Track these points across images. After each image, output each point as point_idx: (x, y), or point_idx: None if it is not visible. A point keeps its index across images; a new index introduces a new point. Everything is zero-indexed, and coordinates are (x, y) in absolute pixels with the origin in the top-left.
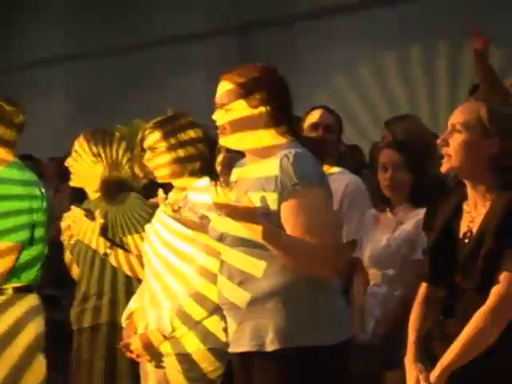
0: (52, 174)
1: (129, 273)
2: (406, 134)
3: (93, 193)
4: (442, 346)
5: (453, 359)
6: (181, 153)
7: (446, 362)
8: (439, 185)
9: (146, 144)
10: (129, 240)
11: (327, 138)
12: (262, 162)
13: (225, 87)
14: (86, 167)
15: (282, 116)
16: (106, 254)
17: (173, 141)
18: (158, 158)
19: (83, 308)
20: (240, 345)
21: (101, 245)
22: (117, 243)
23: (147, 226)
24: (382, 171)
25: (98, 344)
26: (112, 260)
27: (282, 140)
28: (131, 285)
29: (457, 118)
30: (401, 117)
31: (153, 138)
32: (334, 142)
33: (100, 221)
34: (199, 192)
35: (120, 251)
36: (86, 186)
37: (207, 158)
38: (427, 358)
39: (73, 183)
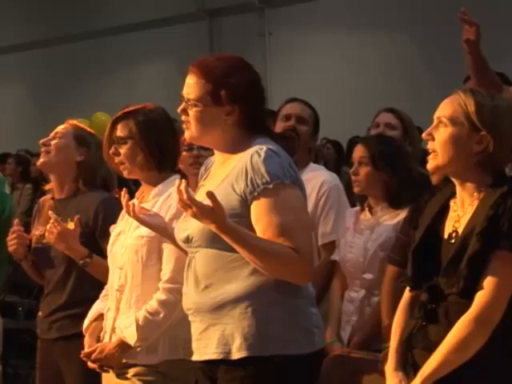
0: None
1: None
2: (411, 123)
3: (61, 190)
4: (423, 353)
5: (434, 369)
6: (153, 146)
7: (428, 372)
8: (424, 183)
9: (116, 134)
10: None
11: (299, 130)
12: (231, 159)
13: (192, 80)
14: (66, 149)
15: (252, 113)
16: (84, 264)
17: (146, 132)
18: (128, 150)
19: (58, 317)
20: (205, 352)
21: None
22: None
23: (112, 227)
24: (352, 167)
25: (74, 355)
26: (90, 270)
27: (253, 136)
28: None
29: (443, 111)
30: (388, 110)
31: (124, 127)
32: (307, 135)
33: (75, 227)
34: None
35: (99, 259)
36: (59, 175)
37: (178, 154)
38: (408, 365)
39: (43, 165)
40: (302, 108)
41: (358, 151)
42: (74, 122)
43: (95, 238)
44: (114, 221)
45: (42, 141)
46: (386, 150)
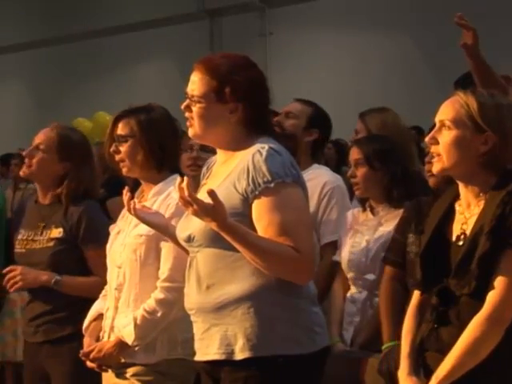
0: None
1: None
2: (381, 128)
3: (45, 196)
4: (436, 356)
5: (449, 371)
6: (154, 145)
7: (443, 375)
8: (420, 181)
9: (118, 132)
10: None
11: (283, 123)
12: (233, 157)
13: (196, 77)
14: (47, 165)
15: (256, 112)
16: (57, 282)
17: (147, 131)
18: (129, 148)
19: (44, 320)
20: (207, 353)
21: None
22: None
23: (112, 226)
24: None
25: (62, 357)
26: (65, 288)
27: (255, 135)
28: None
29: (445, 113)
30: (376, 109)
31: (125, 125)
32: (298, 129)
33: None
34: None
35: (69, 277)
36: (43, 184)
37: (178, 154)
38: (422, 369)
39: (25, 175)
40: (293, 105)
41: (353, 153)
42: (58, 125)
43: (77, 245)
44: (96, 228)
45: (24, 152)
46: (380, 149)
